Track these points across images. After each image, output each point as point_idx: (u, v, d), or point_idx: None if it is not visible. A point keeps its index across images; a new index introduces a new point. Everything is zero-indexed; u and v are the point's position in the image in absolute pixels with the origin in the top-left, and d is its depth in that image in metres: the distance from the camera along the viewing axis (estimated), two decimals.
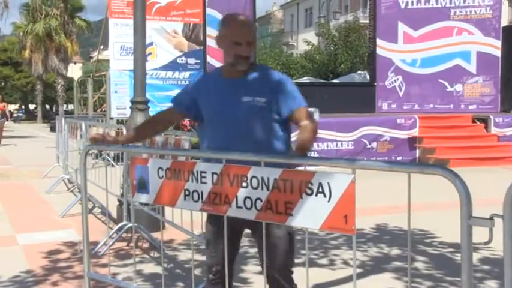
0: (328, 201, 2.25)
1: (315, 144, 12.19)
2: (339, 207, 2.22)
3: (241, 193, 2.55)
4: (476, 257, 5.10)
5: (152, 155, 3.62)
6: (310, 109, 2.95)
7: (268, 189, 2.45)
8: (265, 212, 2.46)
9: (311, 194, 2.31)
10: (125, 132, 6.37)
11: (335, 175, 2.24)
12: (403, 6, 16.41)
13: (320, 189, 2.28)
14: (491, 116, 14.03)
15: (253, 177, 2.49)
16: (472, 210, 1.78)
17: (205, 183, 2.70)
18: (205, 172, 2.71)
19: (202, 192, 2.72)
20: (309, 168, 2.43)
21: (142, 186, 3.05)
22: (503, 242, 1.74)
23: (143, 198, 3.11)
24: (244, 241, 5.70)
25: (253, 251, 5.34)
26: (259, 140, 2.76)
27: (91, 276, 3.53)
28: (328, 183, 2.25)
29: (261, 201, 2.47)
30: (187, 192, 2.80)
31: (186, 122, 17.89)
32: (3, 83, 57.72)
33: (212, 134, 2.87)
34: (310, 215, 2.33)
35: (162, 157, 3.50)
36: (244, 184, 2.53)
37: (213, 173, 2.67)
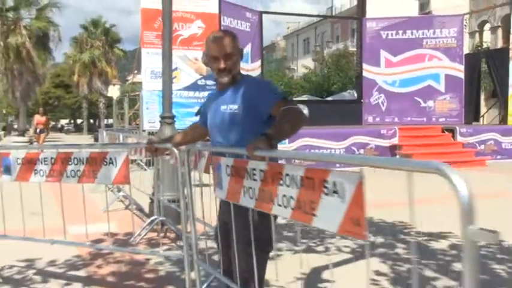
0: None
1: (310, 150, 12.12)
2: (351, 208, 1.70)
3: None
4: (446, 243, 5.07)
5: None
6: (300, 105, 2.62)
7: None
8: None
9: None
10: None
11: (346, 174, 1.74)
12: (384, 36, 16.43)
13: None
14: (457, 127, 13.98)
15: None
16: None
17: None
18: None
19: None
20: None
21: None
22: None
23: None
24: None
25: None
26: (236, 143, 2.40)
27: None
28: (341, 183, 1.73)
29: None
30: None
31: None
32: (56, 102, 58.11)
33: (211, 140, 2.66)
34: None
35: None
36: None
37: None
